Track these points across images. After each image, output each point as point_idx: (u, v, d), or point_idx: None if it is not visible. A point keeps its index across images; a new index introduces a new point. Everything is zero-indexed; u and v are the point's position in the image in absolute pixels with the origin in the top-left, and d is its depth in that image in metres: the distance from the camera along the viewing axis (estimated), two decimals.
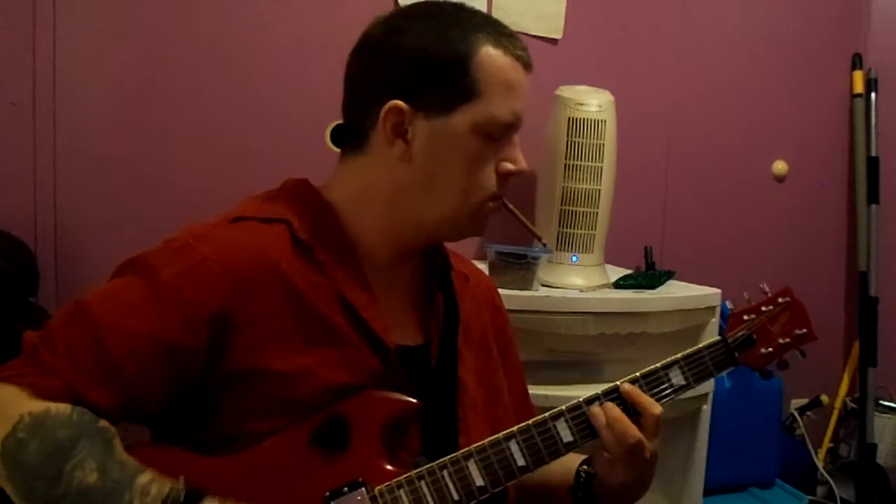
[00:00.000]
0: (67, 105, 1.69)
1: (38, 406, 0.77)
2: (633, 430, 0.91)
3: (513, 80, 0.91)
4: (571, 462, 1.01)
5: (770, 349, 1.00)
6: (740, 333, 0.99)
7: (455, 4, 0.95)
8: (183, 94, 1.78)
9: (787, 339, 1.00)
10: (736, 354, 0.98)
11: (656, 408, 0.93)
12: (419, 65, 0.89)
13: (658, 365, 0.96)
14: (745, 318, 1.00)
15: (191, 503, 0.76)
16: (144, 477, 0.77)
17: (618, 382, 0.95)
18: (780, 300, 1.01)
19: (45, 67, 1.66)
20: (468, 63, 0.88)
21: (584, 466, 1.00)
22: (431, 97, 0.89)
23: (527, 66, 0.93)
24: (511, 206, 1.00)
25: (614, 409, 0.92)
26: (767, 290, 1.01)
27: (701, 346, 0.98)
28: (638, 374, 0.95)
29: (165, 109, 1.77)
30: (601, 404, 0.93)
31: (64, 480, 0.75)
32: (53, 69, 1.67)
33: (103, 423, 0.79)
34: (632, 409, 0.92)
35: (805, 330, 1.00)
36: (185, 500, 0.76)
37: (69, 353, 0.80)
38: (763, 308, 1.00)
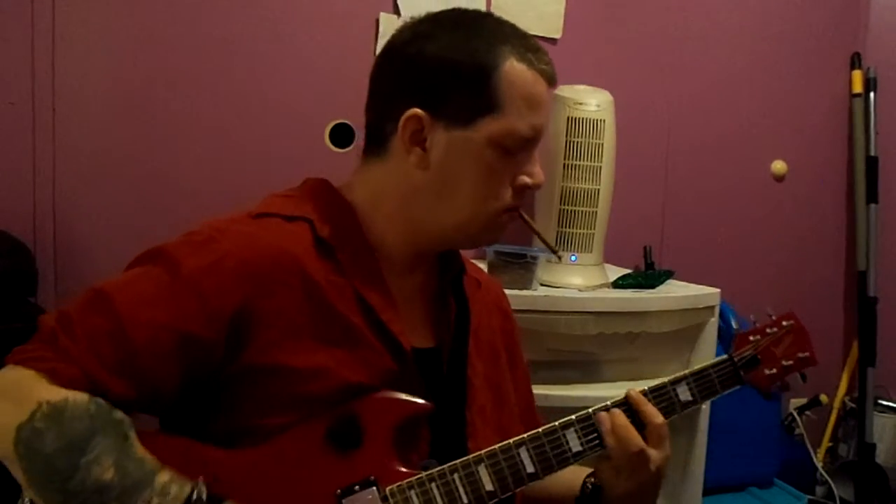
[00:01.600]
0: (66, 105, 1.69)
1: (57, 394, 0.77)
2: (637, 438, 0.91)
3: (535, 95, 0.91)
4: (578, 474, 1.02)
5: (774, 370, 1.02)
6: (746, 353, 1.01)
7: (483, 14, 0.95)
8: (182, 93, 1.78)
9: (791, 362, 1.02)
10: (741, 373, 1.00)
11: (658, 418, 0.94)
12: (442, 74, 0.89)
13: (666, 380, 0.98)
14: (751, 339, 1.02)
15: None
16: (163, 476, 0.77)
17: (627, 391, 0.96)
18: (783, 323, 1.03)
19: (45, 68, 1.67)
20: (491, 75, 0.88)
21: (591, 479, 1.01)
22: (452, 107, 0.89)
23: (551, 80, 0.93)
24: (527, 217, 1.00)
25: (620, 416, 0.93)
26: (771, 312, 1.03)
27: (708, 364, 1.00)
28: (646, 387, 0.96)
29: (165, 109, 1.77)
30: (608, 411, 0.94)
31: (79, 475, 0.74)
32: (52, 69, 1.67)
33: (120, 415, 0.79)
34: (638, 420, 0.94)
35: (807, 353, 1.02)
36: (207, 501, 0.76)
37: (88, 341, 0.79)
38: (767, 330, 1.02)
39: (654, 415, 0.94)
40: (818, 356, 1.04)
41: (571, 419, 0.93)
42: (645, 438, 0.92)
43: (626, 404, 0.95)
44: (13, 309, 1.48)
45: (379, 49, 1.01)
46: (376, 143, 0.95)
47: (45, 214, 1.69)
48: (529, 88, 0.90)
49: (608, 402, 0.95)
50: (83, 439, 0.75)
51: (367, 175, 0.97)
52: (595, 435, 0.93)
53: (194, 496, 0.76)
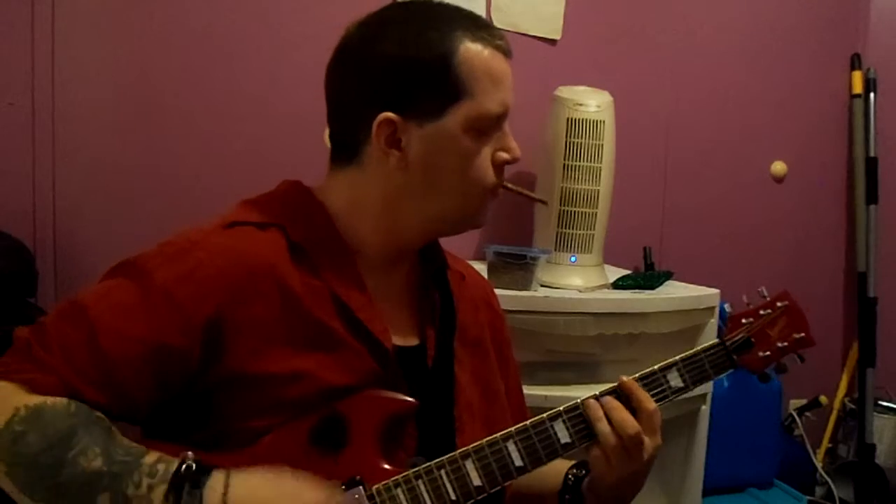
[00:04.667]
0: (66, 106, 1.69)
1: (35, 399, 0.77)
2: (633, 421, 0.91)
3: (497, 72, 0.91)
4: (561, 468, 1.02)
5: (768, 352, 1.00)
6: (738, 336, 0.99)
7: (427, 3, 0.95)
8: (181, 94, 1.78)
9: (786, 343, 1.00)
10: (734, 357, 0.98)
11: (650, 403, 0.93)
12: (403, 73, 0.89)
13: (656, 367, 0.96)
14: (744, 321, 1.00)
15: (200, 476, 0.76)
16: (150, 457, 0.77)
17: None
18: (778, 304, 1.01)
19: (44, 68, 1.66)
20: (451, 63, 0.88)
21: (574, 471, 1.00)
22: (420, 103, 0.89)
23: (507, 53, 0.93)
24: (510, 184, 1.00)
25: (612, 401, 0.92)
26: (766, 293, 1.01)
27: (699, 348, 0.98)
28: (636, 375, 0.95)
29: (164, 110, 1.77)
30: (598, 399, 0.93)
31: (67, 468, 0.75)
32: (52, 70, 1.67)
33: (100, 414, 0.79)
34: (630, 408, 0.92)
35: (803, 334, 1.00)
36: (196, 473, 0.76)
37: (63, 352, 0.80)
38: (761, 311, 1.00)
39: (647, 400, 0.92)
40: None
41: (559, 410, 0.92)
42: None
43: (617, 391, 0.94)
44: (12, 309, 1.48)
45: None
46: (347, 151, 0.94)
47: (44, 215, 1.69)
48: (489, 66, 0.90)
49: (597, 392, 0.94)
50: (66, 436, 0.76)
51: (342, 183, 0.95)
52: (584, 425, 0.92)
53: (183, 468, 0.76)
